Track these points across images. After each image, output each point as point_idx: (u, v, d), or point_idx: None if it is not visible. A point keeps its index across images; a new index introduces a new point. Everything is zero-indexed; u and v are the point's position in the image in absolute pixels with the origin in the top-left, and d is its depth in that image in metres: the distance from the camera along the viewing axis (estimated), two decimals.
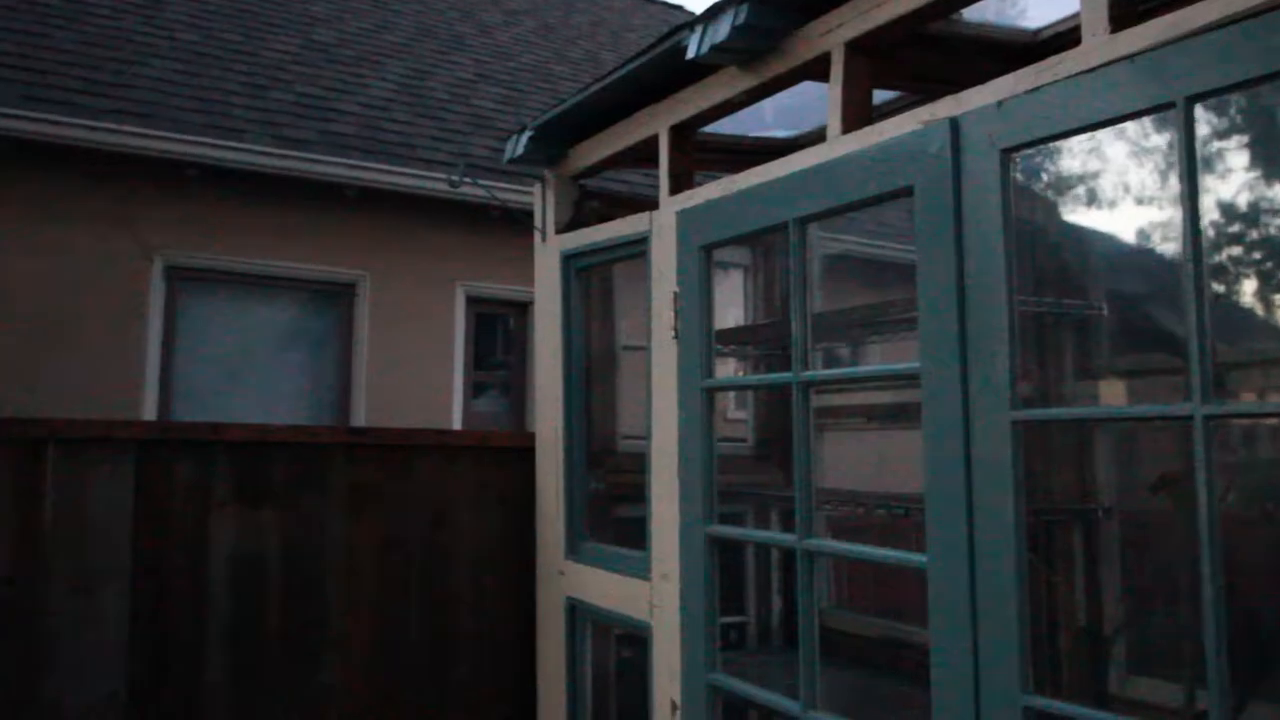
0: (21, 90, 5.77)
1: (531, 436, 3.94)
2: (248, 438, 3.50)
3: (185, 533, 3.37)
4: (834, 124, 2.45)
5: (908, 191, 2.11)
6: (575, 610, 3.46)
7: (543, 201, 3.88)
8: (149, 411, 5.95)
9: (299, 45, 7.79)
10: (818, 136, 2.81)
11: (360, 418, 6.51)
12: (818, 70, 2.57)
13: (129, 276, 6.04)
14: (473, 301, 7.21)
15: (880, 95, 2.97)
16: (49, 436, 3.21)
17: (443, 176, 6.71)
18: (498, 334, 7.60)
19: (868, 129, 2.33)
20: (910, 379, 2.07)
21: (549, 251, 3.79)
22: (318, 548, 3.58)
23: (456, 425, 6.90)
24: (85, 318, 5.87)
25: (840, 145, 2.38)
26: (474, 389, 7.27)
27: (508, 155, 3.79)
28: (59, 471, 3.22)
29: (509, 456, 3.95)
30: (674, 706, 2.80)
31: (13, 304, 5.68)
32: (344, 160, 6.53)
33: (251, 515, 3.48)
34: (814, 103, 3.07)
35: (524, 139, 3.68)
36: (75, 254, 5.89)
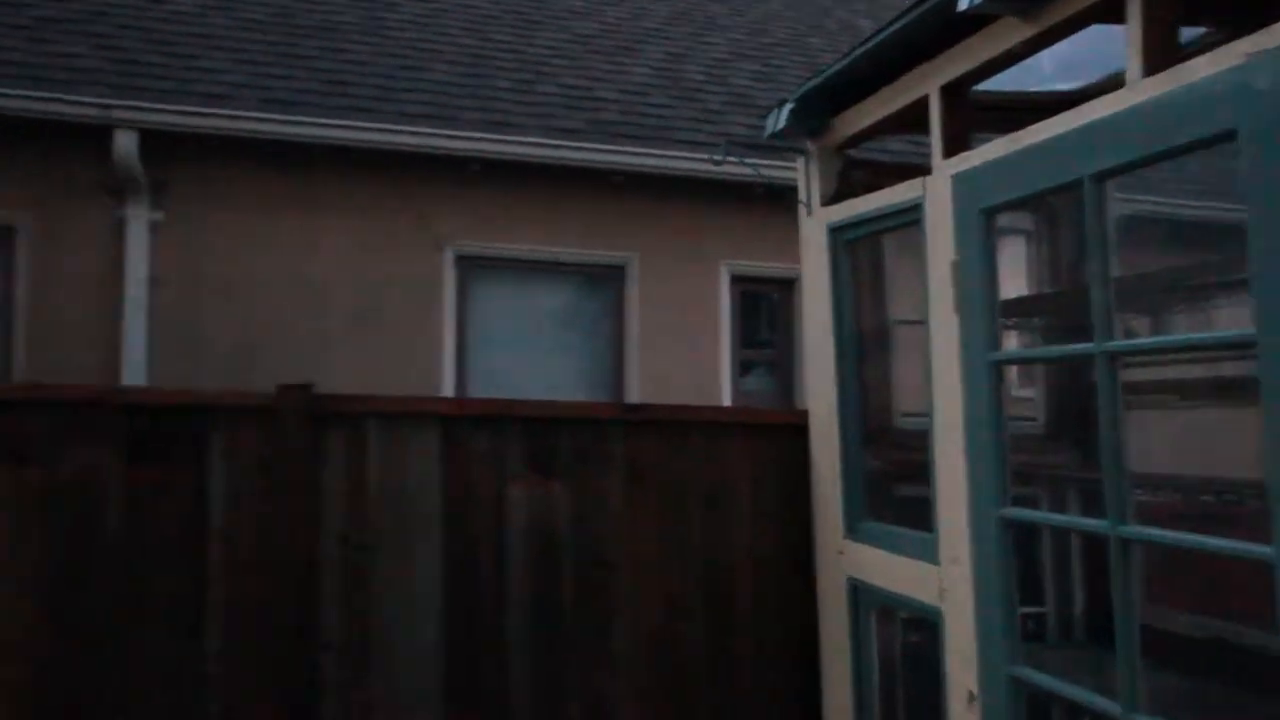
0: (333, 102, 6.44)
1: (803, 414, 3.92)
2: (536, 413, 3.73)
3: (486, 502, 3.65)
4: (1133, 67, 2.23)
5: (1229, 136, 1.89)
6: (857, 591, 3.41)
7: (806, 174, 3.83)
8: (447, 389, 6.50)
9: (562, 39, 8.15)
10: (1112, 84, 2.58)
11: (633, 395, 6.76)
12: (1110, 11, 2.35)
13: (424, 266, 6.60)
14: (737, 280, 7.27)
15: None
16: (369, 412, 3.58)
17: (704, 157, 6.77)
18: (762, 312, 7.62)
19: (1175, 69, 2.10)
20: (1242, 348, 1.85)
21: (814, 225, 3.74)
22: (602, 519, 3.75)
23: (725, 403, 6.99)
24: (390, 305, 6.49)
25: (1142, 90, 2.16)
26: (741, 367, 7.34)
27: (769, 129, 3.77)
28: (379, 443, 3.59)
29: (781, 433, 3.95)
30: (970, 697, 2.70)
31: (334, 295, 6.38)
32: (609, 147, 6.77)
33: (542, 486, 3.71)
34: (1103, 50, 2.81)
35: (785, 112, 3.64)
36: (378, 248, 6.52)
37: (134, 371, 5.98)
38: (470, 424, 3.66)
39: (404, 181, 6.58)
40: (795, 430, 3.92)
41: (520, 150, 6.64)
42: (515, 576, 3.69)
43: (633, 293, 7.03)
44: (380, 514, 3.61)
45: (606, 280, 7.10)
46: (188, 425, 3.46)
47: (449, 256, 6.68)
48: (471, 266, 6.80)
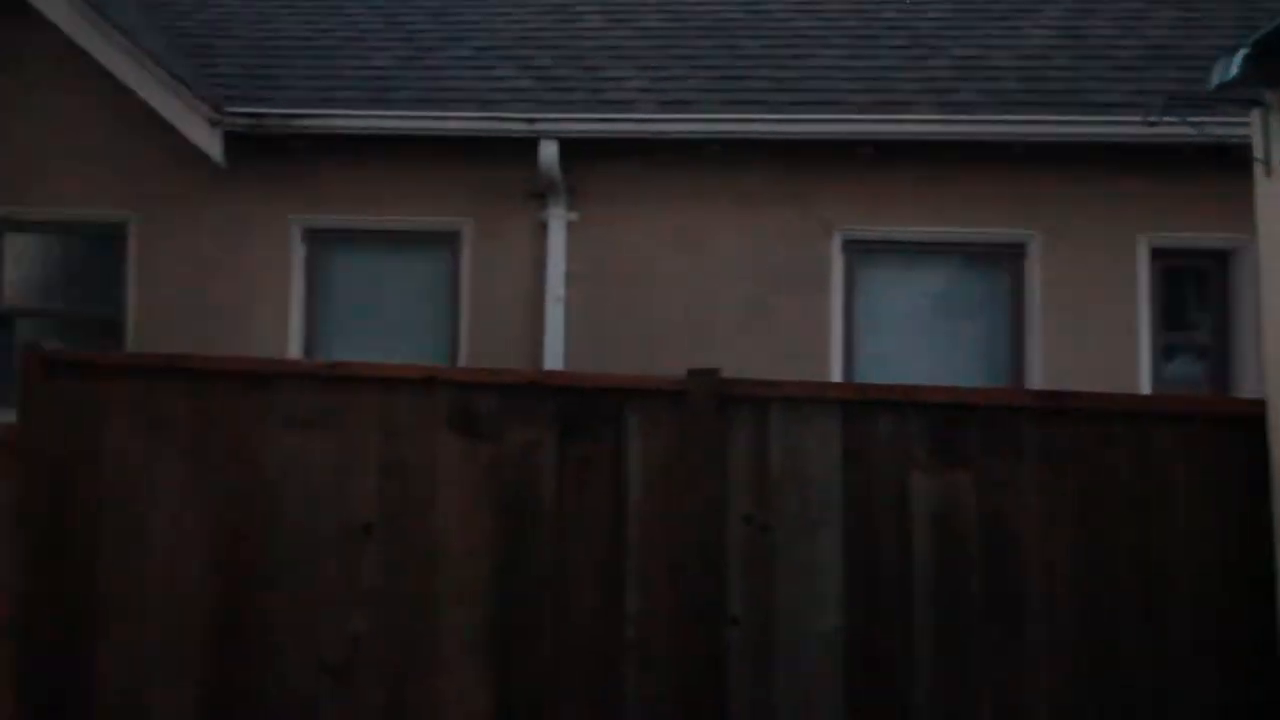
0: (726, 96, 6.70)
1: (1256, 403, 3.44)
2: (941, 399, 3.62)
3: (888, 489, 3.61)
4: None
5: None
6: None
7: (1264, 128, 3.34)
8: (834, 375, 6.49)
9: (952, 9, 7.77)
10: None
11: (1034, 382, 6.31)
12: None
13: (812, 253, 6.64)
14: (1158, 254, 6.50)
15: None
16: (773, 396, 3.68)
17: (1116, 119, 6.15)
18: (1188, 289, 6.75)
19: None
20: None
21: (1276, 187, 3.24)
22: (1013, 513, 3.56)
23: (1144, 391, 6.31)
24: (778, 292, 6.61)
25: None
26: (1164, 352, 6.56)
27: (1215, 80, 3.33)
28: (781, 427, 3.68)
29: (1226, 425, 3.50)
30: None
31: (726, 284, 6.66)
32: (1007, 117, 6.35)
33: (946, 475, 3.59)
34: None
35: (1238, 58, 3.19)
36: (768, 236, 6.66)
37: (553, 357, 6.64)
38: (872, 409, 3.64)
39: (794, 169, 6.67)
40: (1245, 422, 3.45)
41: (910, 129, 6.45)
42: (919, 566, 3.62)
43: (1033, 272, 6.56)
44: (782, 496, 3.70)
45: (1004, 260, 6.69)
46: (609, 407, 3.78)
47: (837, 241, 6.66)
48: (860, 251, 6.73)
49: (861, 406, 3.63)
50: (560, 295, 6.67)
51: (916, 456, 3.61)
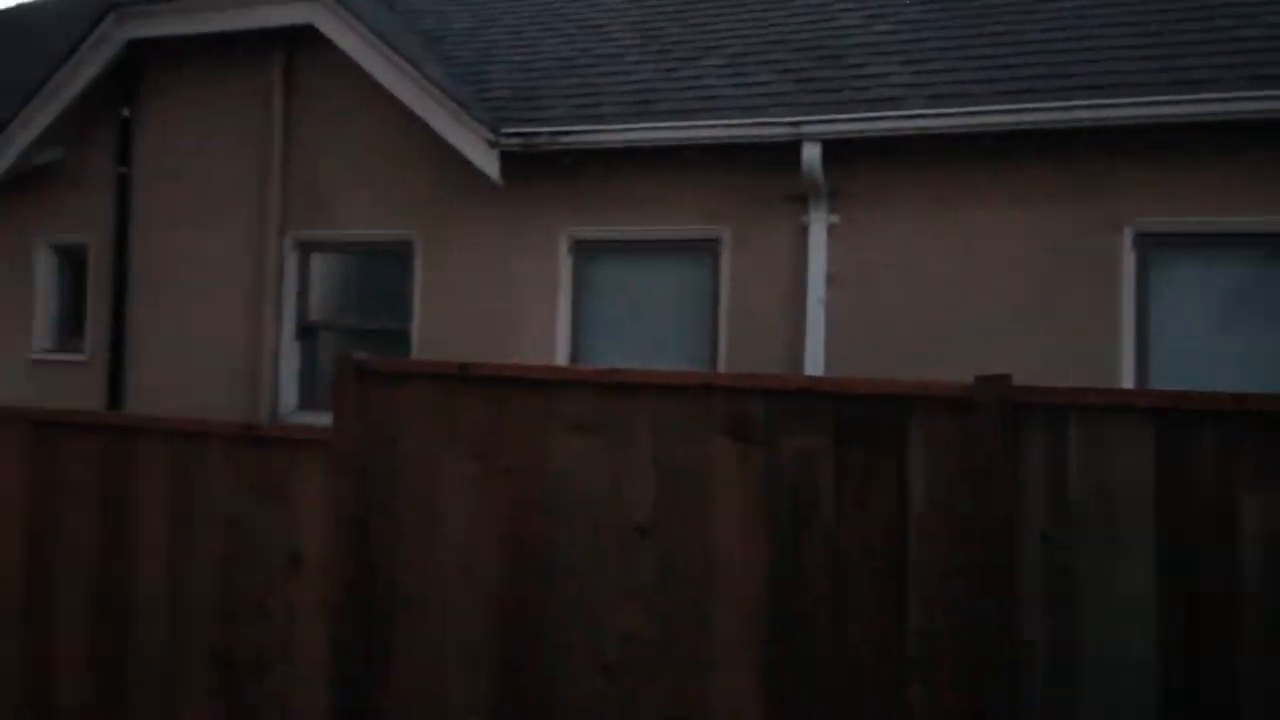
0: (996, 87, 6.35)
1: None
2: (1276, 409, 3.20)
3: (1208, 507, 3.24)
4: None
5: None
6: None
7: None
8: (1125, 380, 5.96)
9: None
10: None
11: None
12: None
13: (1097, 248, 6.12)
14: None
15: None
16: (1071, 405, 3.40)
17: None
18: None
19: None
20: None
21: None
22: None
23: None
24: (1057, 291, 6.16)
25: None
26: None
27: None
28: (1080, 438, 3.39)
29: None
30: None
31: (1000, 284, 6.28)
32: None
33: None
34: None
35: None
36: (1045, 232, 6.21)
37: (813, 361, 6.53)
38: (1190, 420, 3.28)
39: (1075, 159, 6.20)
40: None
41: (1213, 109, 5.81)
42: (1248, 595, 3.22)
43: None
44: (1083, 514, 3.42)
45: None
46: (888, 414, 3.64)
47: (1127, 236, 6.11)
48: (1154, 245, 6.14)
49: (1178, 417, 3.27)
50: (821, 298, 6.56)
51: (1244, 473, 3.22)
